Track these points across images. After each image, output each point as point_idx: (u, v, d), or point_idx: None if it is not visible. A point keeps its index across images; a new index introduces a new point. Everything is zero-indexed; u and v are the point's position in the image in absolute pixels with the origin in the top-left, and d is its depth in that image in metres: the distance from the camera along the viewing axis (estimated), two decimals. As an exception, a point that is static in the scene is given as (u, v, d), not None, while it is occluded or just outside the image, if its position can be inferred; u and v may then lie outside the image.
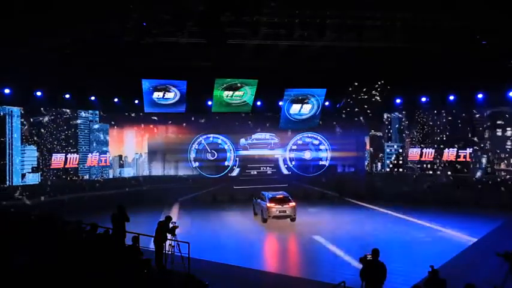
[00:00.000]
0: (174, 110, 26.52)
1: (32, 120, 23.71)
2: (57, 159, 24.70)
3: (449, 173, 25.69)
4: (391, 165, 28.54)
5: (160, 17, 17.60)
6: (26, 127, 23.37)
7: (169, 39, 19.05)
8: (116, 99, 26.01)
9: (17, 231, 10.97)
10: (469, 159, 24.93)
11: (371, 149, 29.62)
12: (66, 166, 24.93)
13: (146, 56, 21.35)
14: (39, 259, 8.60)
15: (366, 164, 29.65)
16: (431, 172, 26.58)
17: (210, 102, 26.80)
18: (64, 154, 24.86)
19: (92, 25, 17.70)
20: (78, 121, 25.65)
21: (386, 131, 28.86)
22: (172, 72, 24.41)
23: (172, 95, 25.81)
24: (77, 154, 25.42)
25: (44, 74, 21.17)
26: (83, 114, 25.82)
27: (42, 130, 24.09)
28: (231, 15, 17.16)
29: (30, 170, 23.56)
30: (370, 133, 29.62)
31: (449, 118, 25.82)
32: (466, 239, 16.95)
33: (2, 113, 22.55)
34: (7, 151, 22.67)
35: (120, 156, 27.57)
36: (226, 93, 26.26)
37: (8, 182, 22.55)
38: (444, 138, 26.10)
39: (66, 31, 17.97)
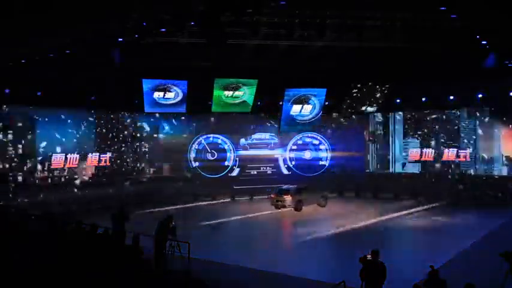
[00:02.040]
0: (174, 109, 26.53)
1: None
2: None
3: None
4: None
5: (160, 17, 17.62)
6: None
7: (170, 39, 19.06)
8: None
9: (17, 231, 10.98)
10: None
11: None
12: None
13: (146, 56, 21.35)
14: (39, 259, 8.59)
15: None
16: None
17: (210, 102, 26.80)
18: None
19: (92, 25, 17.69)
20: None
21: None
22: (173, 72, 24.42)
23: (173, 95, 25.77)
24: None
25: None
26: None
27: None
28: (231, 15, 17.20)
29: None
30: None
31: None
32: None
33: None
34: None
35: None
36: (226, 93, 26.26)
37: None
38: None
39: (66, 31, 17.96)
